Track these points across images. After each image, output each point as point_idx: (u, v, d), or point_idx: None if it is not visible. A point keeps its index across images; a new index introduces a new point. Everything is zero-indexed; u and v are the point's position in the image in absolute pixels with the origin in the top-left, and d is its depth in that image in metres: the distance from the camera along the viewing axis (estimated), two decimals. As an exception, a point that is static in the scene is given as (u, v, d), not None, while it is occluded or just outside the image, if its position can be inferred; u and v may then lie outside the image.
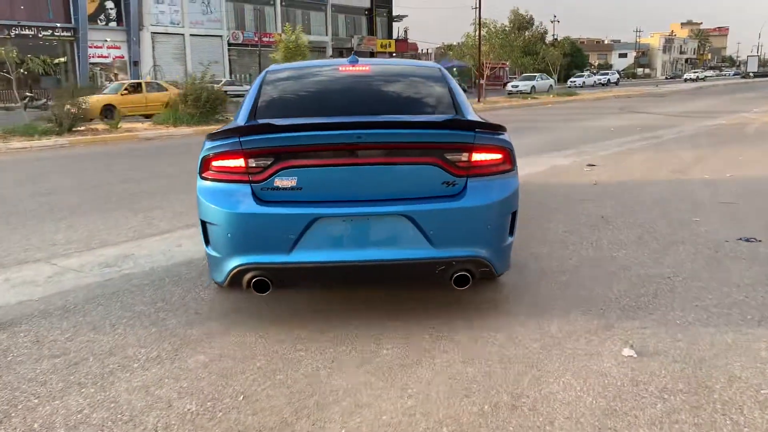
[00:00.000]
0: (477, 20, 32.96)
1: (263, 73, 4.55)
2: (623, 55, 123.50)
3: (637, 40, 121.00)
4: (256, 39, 52.15)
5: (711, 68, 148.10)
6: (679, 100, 31.01)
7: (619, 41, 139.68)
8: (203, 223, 3.55)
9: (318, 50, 60.51)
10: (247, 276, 3.43)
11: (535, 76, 36.52)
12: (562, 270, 4.65)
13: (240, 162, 3.38)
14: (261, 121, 3.77)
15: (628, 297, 4.09)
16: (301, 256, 3.34)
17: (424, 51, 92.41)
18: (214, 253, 3.52)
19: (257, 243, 3.36)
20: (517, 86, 41.07)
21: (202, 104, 18.27)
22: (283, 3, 55.80)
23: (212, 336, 3.60)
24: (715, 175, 8.68)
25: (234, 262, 3.41)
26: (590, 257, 4.97)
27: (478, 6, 33.41)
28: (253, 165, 3.36)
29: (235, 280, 3.47)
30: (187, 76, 18.90)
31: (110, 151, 13.32)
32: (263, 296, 4.00)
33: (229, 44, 52.23)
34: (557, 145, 12.41)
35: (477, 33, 32.47)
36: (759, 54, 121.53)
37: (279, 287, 3.61)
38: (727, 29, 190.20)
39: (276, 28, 52.07)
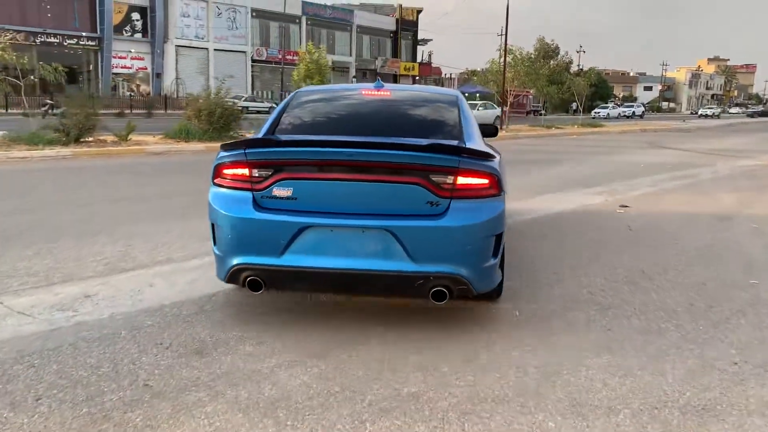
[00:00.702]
0: (503, 46, 32.29)
1: (293, 93, 5.03)
2: (648, 88, 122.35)
3: (663, 74, 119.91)
4: (280, 56, 52.02)
5: (737, 105, 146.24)
6: (707, 137, 30.07)
7: (644, 74, 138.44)
8: (212, 225, 3.87)
9: (341, 70, 60.45)
10: (243, 275, 3.72)
11: (477, 104, 33.63)
12: (601, 346, 3.80)
13: (245, 171, 3.72)
14: (271, 137, 4.22)
15: (689, 391, 3.24)
16: (290, 260, 3.59)
17: (448, 76, 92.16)
18: (218, 252, 3.85)
19: (253, 245, 3.65)
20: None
21: (215, 120, 17.68)
22: (309, 22, 55.79)
23: (156, 426, 2.80)
24: (764, 224, 7.81)
25: (233, 261, 3.71)
26: (635, 328, 4.13)
27: (504, 33, 32.88)
28: (256, 175, 3.70)
29: (233, 278, 3.78)
30: (203, 91, 18.36)
31: (113, 165, 12.67)
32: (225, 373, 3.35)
33: (253, 60, 52.15)
34: (586, 181, 11.57)
35: (503, 59, 31.82)
36: None
37: (271, 288, 3.82)
38: (755, 66, 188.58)
39: (300, 46, 51.83)
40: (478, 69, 52.54)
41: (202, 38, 48.95)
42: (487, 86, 36.48)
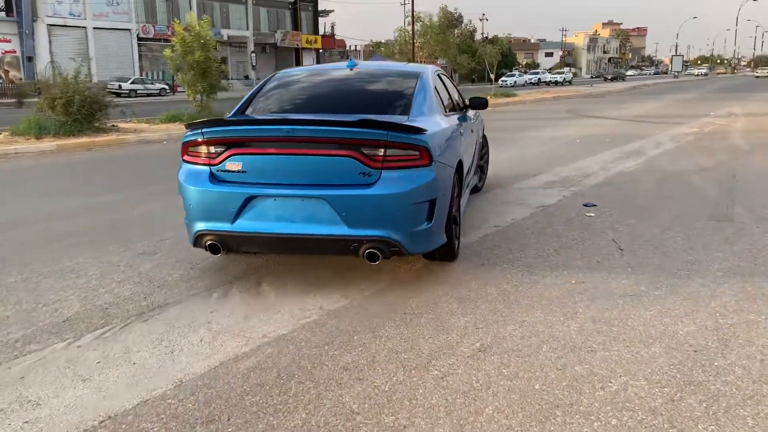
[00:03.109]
0: (410, 14, 30.17)
1: (271, 75, 5.67)
2: (549, 54, 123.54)
3: (563, 40, 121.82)
4: (170, 33, 47.71)
5: (632, 67, 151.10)
6: (620, 102, 29.23)
7: (544, 40, 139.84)
8: (182, 197, 4.31)
9: (238, 46, 56.53)
10: (204, 239, 4.23)
11: None
12: None
13: (203, 148, 4.20)
14: (227, 118, 4.73)
15: None
16: (240, 226, 4.08)
17: (353, 48, 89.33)
18: (186, 221, 4.36)
19: (210, 213, 4.15)
20: None
21: (75, 110, 14.48)
22: (199, -6, 51.44)
23: None
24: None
25: (196, 228, 4.24)
26: None
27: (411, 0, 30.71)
28: (212, 151, 4.17)
29: (197, 242, 4.29)
30: (51, 71, 15.03)
31: None
32: None
33: (139, 39, 47.44)
34: (525, 168, 9.50)
35: (411, 27, 29.68)
36: (677, 53, 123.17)
37: (227, 251, 4.26)
38: (646, 30, 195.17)
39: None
40: (384, 41, 50.24)
41: (78, 16, 43.80)
42: (393, 58, 34.39)
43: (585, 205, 6.89)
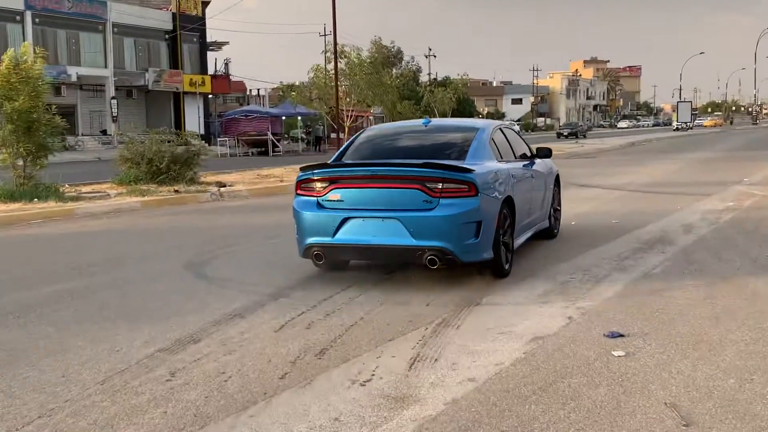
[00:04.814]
0: (332, 47, 29.70)
1: (361, 131, 10.35)
2: (517, 101, 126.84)
3: (535, 82, 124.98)
4: (-7, 70, 46.24)
5: (624, 117, 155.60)
6: (620, 164, 29.95)
7: (510, 83, 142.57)
8: (295, 220, 8.28)
9: (92, 89, 55.42)
10: (312, 250, 8.02)
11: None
12: None
13: (312, 185, 8.14)
14: (330, 161, 8.95)
15: None
16: (338, 239, 7.86)
17: (255, 92, 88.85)
18: (298, 237, 8.29)
19: (317, 231, 7.98)
20: None
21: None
22: (37, 19, 50.31)
23: None
24: None
25: (306, 241, 8.07)
26: None
27: (333, 29, 30.25)
28: (318, 187, 8.09)
29: (306, 253, 8.15)
30: None
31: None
32: None
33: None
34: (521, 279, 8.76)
35: (333, 65, 29.20)
36: (683, 98, 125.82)
37: (328, 259, 8.15)
38: (639, 69, 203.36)
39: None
40: (298, 83, 50.02)
41: None
42: (310, 106, 33.76)
43: (608, 336, 6.04)
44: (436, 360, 5.63)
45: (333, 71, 30.00)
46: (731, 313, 6.76)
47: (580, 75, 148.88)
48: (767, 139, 55.24)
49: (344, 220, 7.76)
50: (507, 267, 8.42)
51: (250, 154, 50.11)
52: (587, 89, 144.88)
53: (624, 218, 13.19)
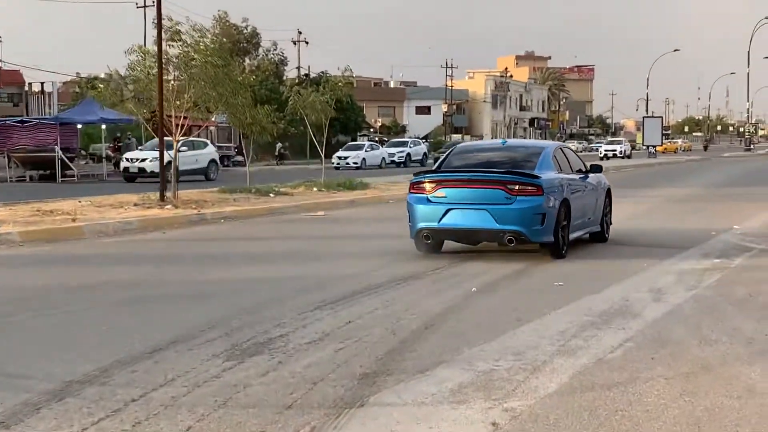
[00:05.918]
0: (156, 25, 24.76)
1: (453, 146, 24.83)
2: (424, 110, 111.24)
3: (449, 84, 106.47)
4: None
5: (571, 136, 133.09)
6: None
7: (414, 84, 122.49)
8: (408, 211, 15.38)
9: None
10: (422, 233, 14.77)
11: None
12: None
13: (424, 185, 15.44)
14: (434, 168, 16.99)
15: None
16: (442, 224, 14.82)
17: (37, 88, 76.22)
18: (410, 224, 15.12)
19: (426, 218, 14.96)
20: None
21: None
22: None
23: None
24: None
25: (418, 226, 14.98)
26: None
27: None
28: (428, 187, 15.31)
29: (417, 236, 14.95)
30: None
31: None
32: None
33: None
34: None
35: (158, 48, 24.47)
36: (650, 112, 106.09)
37: (433, 240, 15.17)
38: (593, 70, 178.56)
39: None
40: (104, 75, 46.24)
41: None
42: (122, 108, 29.59)
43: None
44: None
45: (156, 59, 25.55)
46: (717, 418, 6.20)
47: (511, 75, 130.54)
48: (760, 170, 54.12)
49: (447, 210, 14.22)
50: (563, 251, 14.72)
51: (29, 179, 43.68)
52: (521, 96, 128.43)
53: (570, 280, 12.65)
